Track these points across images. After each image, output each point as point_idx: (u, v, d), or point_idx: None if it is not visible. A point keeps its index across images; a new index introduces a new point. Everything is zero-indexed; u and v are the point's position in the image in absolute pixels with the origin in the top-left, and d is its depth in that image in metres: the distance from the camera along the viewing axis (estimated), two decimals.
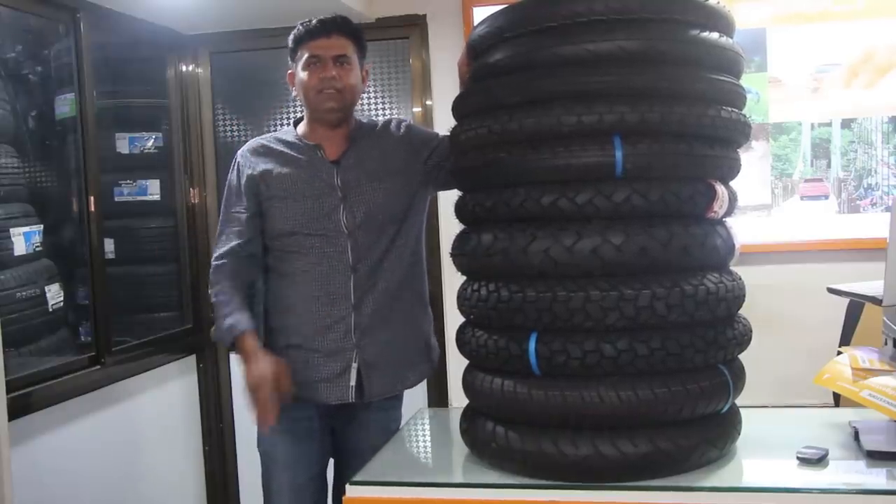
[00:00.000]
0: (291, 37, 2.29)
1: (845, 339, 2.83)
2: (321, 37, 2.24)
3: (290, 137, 2.33)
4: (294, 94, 2.33)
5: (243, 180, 2.30)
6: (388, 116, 2.46)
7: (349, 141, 2.30)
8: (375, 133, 2.35)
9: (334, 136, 2.30)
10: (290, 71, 2.32)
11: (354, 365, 2.23)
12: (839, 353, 2.12)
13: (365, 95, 3.63)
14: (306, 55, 2.24)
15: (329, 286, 2.24)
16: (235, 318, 2.19)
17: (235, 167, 2.34)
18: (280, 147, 2.32)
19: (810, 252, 3.29)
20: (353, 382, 2.24)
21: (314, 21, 2.26)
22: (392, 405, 2.38)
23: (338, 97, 2.24)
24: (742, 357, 1.92)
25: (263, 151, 2.32)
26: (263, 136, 2.40)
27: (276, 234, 2.27)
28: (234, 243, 2.27)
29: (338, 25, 2.27)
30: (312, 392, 2.25)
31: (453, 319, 2.50)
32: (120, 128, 3.58)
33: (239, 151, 2.36)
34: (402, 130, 2.36)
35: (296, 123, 2.39)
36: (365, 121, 2.39)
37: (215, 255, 2.29)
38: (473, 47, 1.98)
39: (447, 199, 2.15)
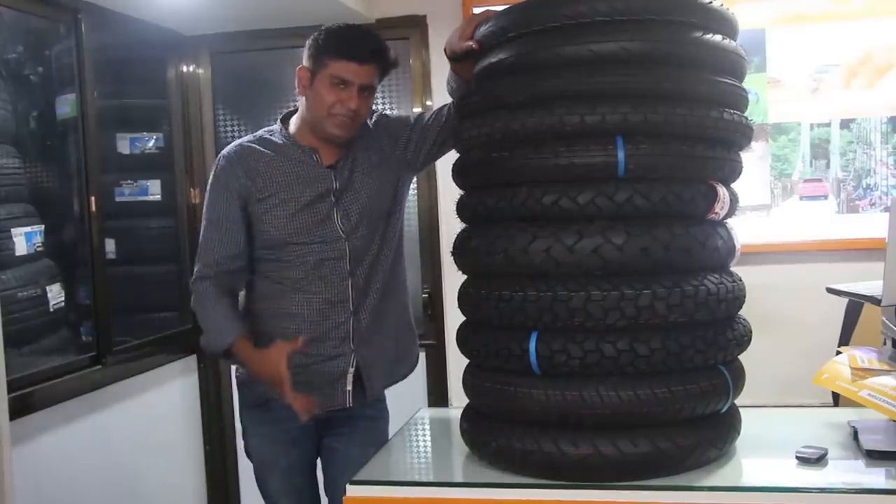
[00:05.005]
0: (321, 42, 2.14)
1: (844, 339, 2.84)
2: (358, 61, 2.11)
3: (280, 139, 2.23)
4: (297, 91, 2.20)
5: (228, 188, 2.19)
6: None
7: (346, 145, 2.22)
8: (362, 132, 2.26)
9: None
10: (302, 67, 2.17)
11: (351, 370, 2.23)
12: (838, 352, 2.13)
13: None
14: (332, 74, 2.11)
15: (328, 293, 2.20)
16: (223, 327, 2.15)
17: (217, 172, 2.22)
18: (267, 151, 2.21)
19: (809, 252, 3.30)
20: (349, 387, 2.23)
21: (352, 38, 2.13)
22: (379, 409, 2.37)
23: (349, 126, 2.16)
24: (741, 357, 1.92)
25: (249, 157, 2.20)
26: (246, 139, 2.26)
27: (270, 244, 2.19)
28: (218, 255, 2.19)
29: (375, 55, 2.14)
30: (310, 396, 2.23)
31: (453, 319, 2.51)
32: (121, 128, 3.58)
33: (221, 155, 2.25)
34: (375, 120, 2.32)
35: (283, 119, 2.28)
36: None
37: (197, 266, 2.21)
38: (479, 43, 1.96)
39: (447, 199, 2.16)
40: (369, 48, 2.13)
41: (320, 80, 2.13)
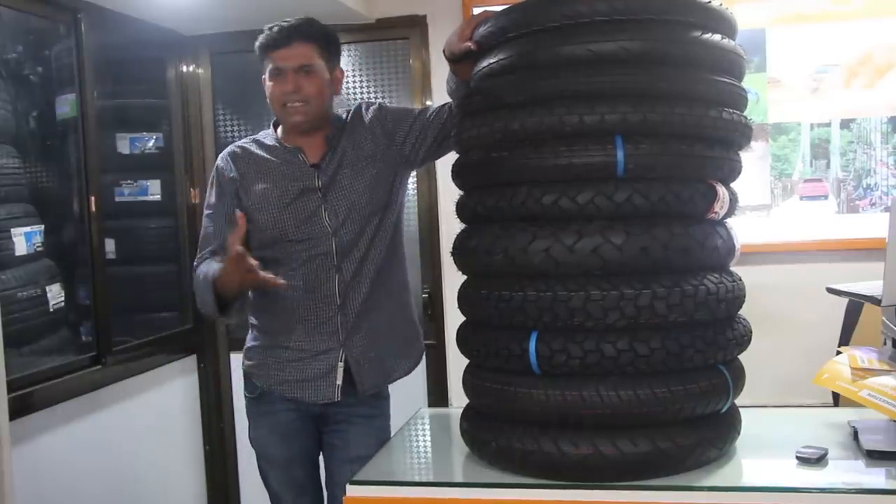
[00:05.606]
0: (256, 43, 2.22)
1: (844, 339, 2.84)
2: (282, 47, 2.18)
3: (270, 141, 2.30)
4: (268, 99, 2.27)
5: (221, 186, 2.29)
6: (358, 101, 2.39)
7: (329, 143, 2.26)
8: (349, 125, 2.30)
9: (313, 139, 2.26)
10: (263, 76, 2.25)
11: (341, 364, 2.24)
12: (838, 352, 2.13)
13: (365, 96, 3.64)
14: (270, 66, 2.19)
15: (315, 289, 2.23)
16: (206, 270, 2.17)
17: (216, 173, 2.31)
18: (260, 152, 2.28)
19: (809, 252, 3.30)
20: (339, 381, 2.24)
21: (275, 28, 2.19)
22: (379, 407, 2.37)
23: (303, 109, 2.20)
24: (742, 357, 1.92)
25: (243, 157, 2.29)
26: (244, 140, 2.35)
27: (259, 243, 2.24)
28: (212, 246, 2.28)
29: (298, 32, 2.19)
30: (300, 391, 2.26)
31: (453, 319, 2.51)
32: (121, 128, 3.58)
33: (220, 156, 2.33)
34: (372, 114, 2.32)
35: (275, 123, 2.34)
36: (340, 111, 2.34)
37: (196, 260, 2.29)
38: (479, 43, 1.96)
39: (447, 199, 2.16)
40: (286, 31, 2.19)
41: (267, 81, 2.22)
